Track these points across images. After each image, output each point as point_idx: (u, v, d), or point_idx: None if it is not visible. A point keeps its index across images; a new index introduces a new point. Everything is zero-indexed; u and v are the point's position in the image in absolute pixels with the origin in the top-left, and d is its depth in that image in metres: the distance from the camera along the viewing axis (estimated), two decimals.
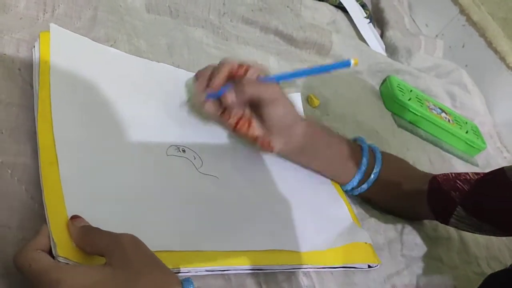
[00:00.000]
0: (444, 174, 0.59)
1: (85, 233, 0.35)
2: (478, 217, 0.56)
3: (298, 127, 0.53)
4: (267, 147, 0.52)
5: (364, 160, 0.58)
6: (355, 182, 0.59)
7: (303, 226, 0.52)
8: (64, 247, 0.35)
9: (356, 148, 0.60)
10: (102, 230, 0.36)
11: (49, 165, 0.39)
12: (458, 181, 0.57)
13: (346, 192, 0.61)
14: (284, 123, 0.52)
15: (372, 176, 0.58)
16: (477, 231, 0.58)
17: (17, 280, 0.33)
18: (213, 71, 0.50)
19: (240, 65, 0.50)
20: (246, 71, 0.50)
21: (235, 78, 0.50)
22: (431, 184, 0.59)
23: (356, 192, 0.60)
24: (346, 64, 0.48)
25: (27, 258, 0.32)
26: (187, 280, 0.35)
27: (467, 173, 0.58)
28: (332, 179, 0.61)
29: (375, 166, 0.58)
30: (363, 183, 0.59)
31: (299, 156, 0.57)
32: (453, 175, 0.58)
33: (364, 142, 0.60)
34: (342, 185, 0.61)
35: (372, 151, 0.60)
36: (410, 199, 0.61)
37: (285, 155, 0.57)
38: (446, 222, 0.59)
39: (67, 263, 0.34)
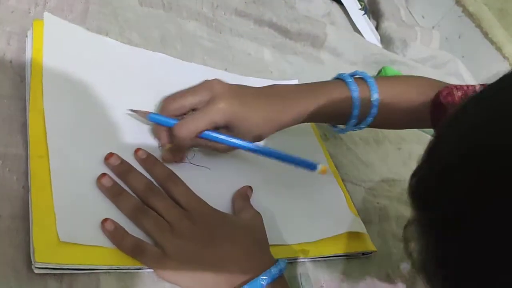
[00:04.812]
0: (447, 88, 0.56)
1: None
2: None
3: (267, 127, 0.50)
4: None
5: (355, 112, 0.54)
6: (349, 127, 0.57)
7: (298, 218, 0.52)
8: (43, 252, 0.34)
9: (343, 90, 0.54)
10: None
11: (38, 159, 0.39)
12: (457, 91, 0.54)
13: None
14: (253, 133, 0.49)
15: (367, 119, 0.55)
16: None
17: (9, 268, 0.34)
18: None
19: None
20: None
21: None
22: (434, 99, 0.56)
23: (357, 129, 0.58)
24: (311, 167, 0.48)
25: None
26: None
27: (470, 85, 0.55)
28: None
29: (371, 109, 0.54)
30: (360, 123, 0.56)
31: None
32: (457, 86, 0.55)
33: (348, 78, 0.54)
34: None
35: (363, 79, 0.55)
36: (415, 116, 0.58)
37: None
38: None
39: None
